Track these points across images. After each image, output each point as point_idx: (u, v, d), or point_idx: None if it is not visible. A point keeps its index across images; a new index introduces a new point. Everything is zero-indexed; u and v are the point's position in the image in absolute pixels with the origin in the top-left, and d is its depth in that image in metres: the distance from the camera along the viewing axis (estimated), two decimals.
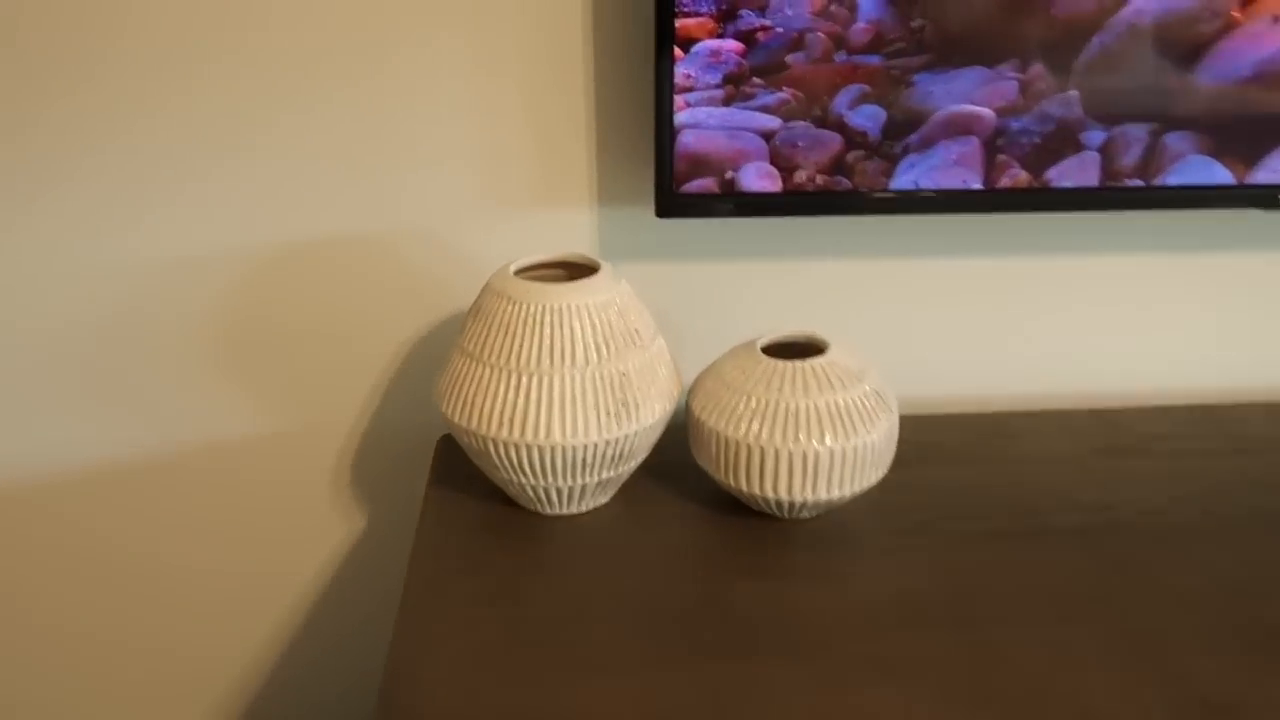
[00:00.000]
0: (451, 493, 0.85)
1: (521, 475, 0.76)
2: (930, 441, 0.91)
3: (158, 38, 0.84)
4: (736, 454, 0.76)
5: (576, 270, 0.83)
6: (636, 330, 0.77)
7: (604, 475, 0.78)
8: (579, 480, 0.77)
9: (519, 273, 0.80)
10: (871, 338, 0.98)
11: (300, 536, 1.04)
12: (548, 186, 0.91)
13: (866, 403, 0.76)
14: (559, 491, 0.78)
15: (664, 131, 0.81)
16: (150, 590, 1.05)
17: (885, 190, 0.84)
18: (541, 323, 0.74)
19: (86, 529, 1.02)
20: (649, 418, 0.76)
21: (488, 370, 0.74)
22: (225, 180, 0.89)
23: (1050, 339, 1.00)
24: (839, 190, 0.84)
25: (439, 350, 0.97)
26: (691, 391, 0.81)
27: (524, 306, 0.74)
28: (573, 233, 0.93)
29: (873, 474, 0.77)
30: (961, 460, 0.89)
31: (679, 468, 0.84)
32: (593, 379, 0.74)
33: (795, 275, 0.96)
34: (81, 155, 0.87)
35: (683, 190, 0.83)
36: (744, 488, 0.77)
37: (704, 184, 0.83)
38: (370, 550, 1.06)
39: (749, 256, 0.95)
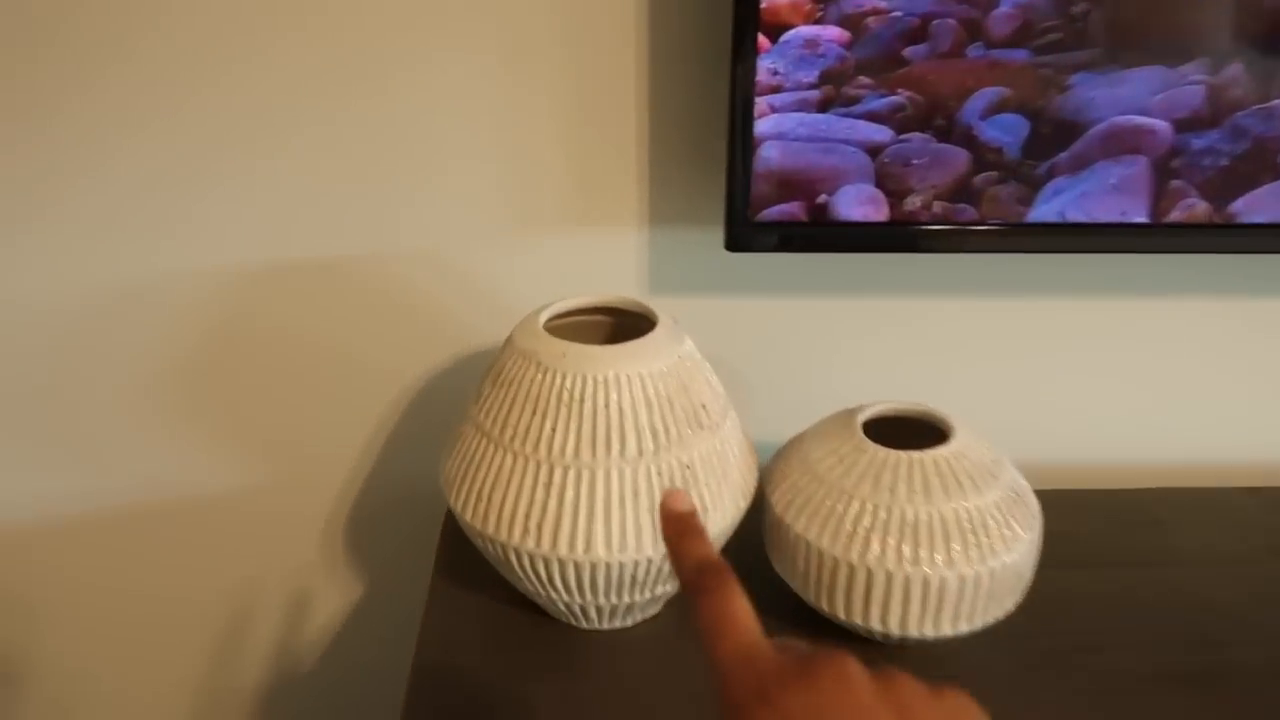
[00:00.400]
0: (462, 588, 0.68)
1: (552, 590, 0.59)
2: (1059, 531, 0.72)
3: (142, 42, 0.66)
4: (834, 574, 0.58)
5: (624, 319, 0.65)
6: (704, 406, 0.59)
7: (657, 591, 0.60)
8: (624, 599, 0.59)
9: (551, 322, 0.63)
10: (984, 390, 0.80)
11: (284, 603, 0.88)
12: (586, 202, 0.73)
13: (1005, 510, 0.58)
14: (599, 609, 0.61)
15: (739, 143, 0.63)
16: (118, 662, 0.89)
17: (1021, 223, 0.65)
18: (582, 398, 0.56)
19: (35, 588, 0.85)
20: (720, 521, 0.58)
21: (509, 457, 0.57)
22: (199, 194, 0.71)
23: (1201, 397, 0.82)
24: (962, 221, 0.65)
25: (450, 396, 0.79)
26: (770, 478, 0.63)
27: (558, 377, 0.56)
28: (615, 259, 0.75)
29: (1008, 601, 0.59)
30: (1102, 560, 0.71)
31: (749, 569, 0.66)
32: (647, 474, 0.56)
33: (892, 315, 0.78)
34: (43, 167, 0.70)
35: (761, 218, 0.65)
36: (840, 614, 0.59)
37: (788, 210, 0.65)
38: (367, 627, 0.89)
39: (835, 292, 0.77)
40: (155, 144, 0.69)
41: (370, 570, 0.87)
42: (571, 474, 0.55)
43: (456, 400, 0.79)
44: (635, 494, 0.56)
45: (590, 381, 0.56)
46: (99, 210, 0.71)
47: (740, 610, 0.31)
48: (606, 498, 0.55)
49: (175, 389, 0.78)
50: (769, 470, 0.64)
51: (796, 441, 0.65)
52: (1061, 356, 0.80)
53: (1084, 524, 0.75)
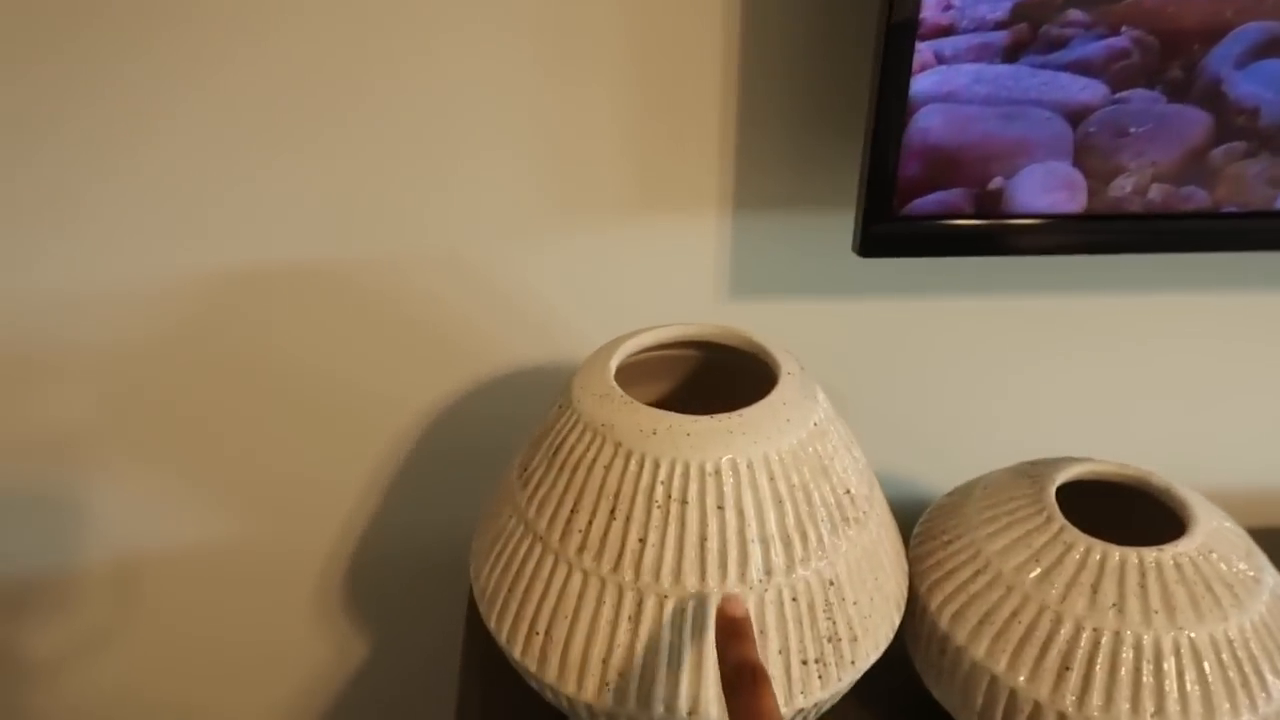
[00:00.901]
0: (502, 697, 0.52)
1: None
2: None
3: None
4: None
5: (717, 355, 0.47)
6: (849, 492, 0.42)
7: None
8: None
9: (624, 366, 0.45)
10: (1173, 410, 0.63)
11: (271, 688, 0.72)
12: (649, 183, 0.55)
13: (1274, 628, 0.42)
14: None
15: (887, 109, 0.44)
16: None
17: (1268, 211, 0.47)
18: (684, 498, 0.39)
19: None
20: (870, 652, 0.41)
21: (576, 576, 0.40)
22: (165, 187, 0.53)
23: None
24: (1190, 212, 0.47)
25: (474, 428, 0.62)
26: (921, 566, 0.46)
27: (648, 465, 0.39)
28: (685, 255, 0.57)
29: None
30: None
31: (891, 682, 0.49)
32: (778, 600, 0.39)
33: (1061, 320, 0.60)
34: None
35: (908, 210, 0.47)
36: None
37: (946, 200, 0.46)
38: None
39: (985, 291, 0.59)
40: (108, 126, 0.51)
41: (379, 650, 0.70)
42: (670, 606, 0.38)
43: (482, 434, 0.62)
44: (762, 630, 0.39)
45: (697, 473, 0.38)
46: (35, 206, 0.53)
47: (769, 710, 0.33)
48: None
49: (133, 420, 0.60)
50: (918, 554, 0.47)
51: (955, 512, 0.48)
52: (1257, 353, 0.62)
53: None
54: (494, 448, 0.61)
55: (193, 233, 0.54)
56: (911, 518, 0.51)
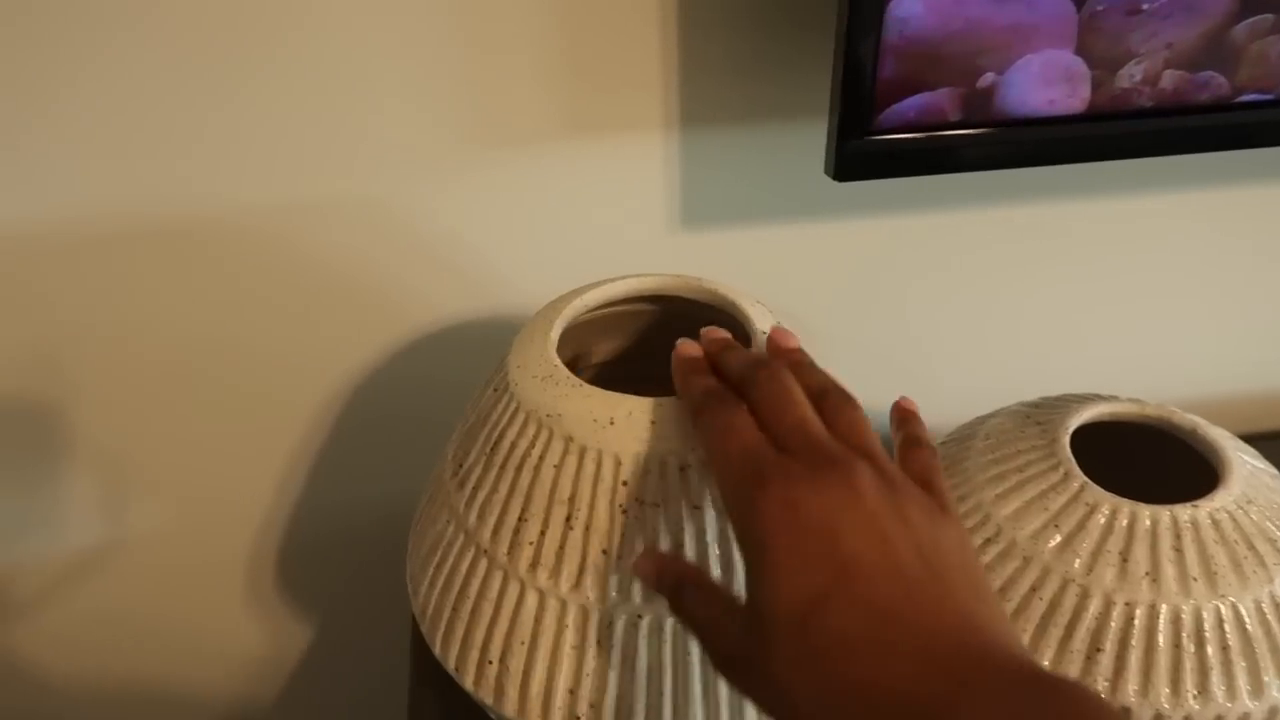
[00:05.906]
0: (456, 701, 0.46)
1: None
2: None
3: None
4: None
5: (682, 308, 0.40)
6: None
7: None
8: None
9: (570, 332, 0.38)
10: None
11: (207, 694, 0.65)
12: (583, 100, 0.47)
13: None
14: None
15: (863, 4, 0.36)
16: None
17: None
18: (660, 500, 0.32)
19: None
20: None
21: (532, 596, 0.33)
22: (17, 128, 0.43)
23: None
24: (1207, 103, 0.41)
25: (410, 396, 0.55)
26: None
27: (609, 460, 0.32)
28: (627, 180, 0.50)
29: None
30: None
31: None
32: None
33: (1043, 230, 0.54)
34: None
35: (886, 119, 0.39)
36: None
37: (928, 103, 0.39)
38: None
39: (962, 203, 0.52)
40: None
41: (326, 643, 0.64)
42: (646, 625, 0.32)
43: (417, 400, 0.55)
44: None
45: (672, 471, 0.32)
46: None
47: (741, 421, 0.29)
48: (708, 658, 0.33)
49: (15, 423, 0.52)
50: None
51: (955, 467, 0.42)
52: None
53: None
54: (433, 413, 0.54)
55: (68, 186, 0.45)
56: None
